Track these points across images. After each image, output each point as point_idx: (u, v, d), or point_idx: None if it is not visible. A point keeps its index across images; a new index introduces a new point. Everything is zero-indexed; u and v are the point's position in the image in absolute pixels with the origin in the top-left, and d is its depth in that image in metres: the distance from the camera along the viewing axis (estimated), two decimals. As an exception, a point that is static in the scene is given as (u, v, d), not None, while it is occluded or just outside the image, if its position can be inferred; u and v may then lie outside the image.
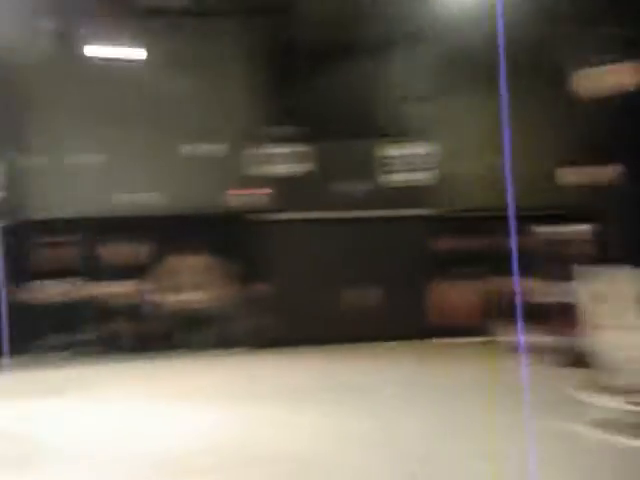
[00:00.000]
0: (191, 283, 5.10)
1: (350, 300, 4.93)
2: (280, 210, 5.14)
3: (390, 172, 4.98)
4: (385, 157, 5.02)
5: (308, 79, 5.02)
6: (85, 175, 5.75)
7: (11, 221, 5.51)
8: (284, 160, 5.06)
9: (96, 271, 5.18)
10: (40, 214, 5.58)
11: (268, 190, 5.11)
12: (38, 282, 5.20)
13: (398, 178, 4.99)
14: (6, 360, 4.68)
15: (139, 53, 5.52)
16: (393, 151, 4.98)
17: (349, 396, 3.22)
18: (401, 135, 5.03)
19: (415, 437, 2.55)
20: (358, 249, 5.03)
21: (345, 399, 3.16)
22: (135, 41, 5.46)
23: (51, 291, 5.10)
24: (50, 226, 5.43)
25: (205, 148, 5.65)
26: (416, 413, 2.90)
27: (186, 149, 5.66)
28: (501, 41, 2.98)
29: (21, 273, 5.24)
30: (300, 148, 4.96)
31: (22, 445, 2.67)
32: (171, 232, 5.17)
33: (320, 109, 4.96)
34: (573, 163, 5.19)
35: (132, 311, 5.00)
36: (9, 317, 4.99)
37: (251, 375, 4.06)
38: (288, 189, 5.14)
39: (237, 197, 5.37)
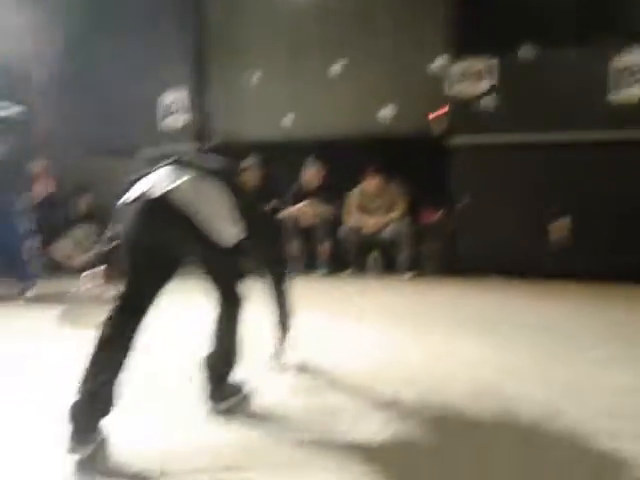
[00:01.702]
0: (377, 207, 5.11)
1: (551, 233, 4.72)
2: (469, 133, 4.80)
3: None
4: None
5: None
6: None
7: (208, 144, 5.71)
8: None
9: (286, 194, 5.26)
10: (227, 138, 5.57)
11: (450, 110, 4.86)
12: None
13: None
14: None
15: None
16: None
17: (516, 331, 3.22)
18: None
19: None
20: (567, 177, 4.60)
21: (512, 334, 3.17)
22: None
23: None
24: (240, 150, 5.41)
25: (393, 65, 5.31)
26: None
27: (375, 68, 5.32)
28: None
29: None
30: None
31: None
32: (360, 156, 5.06)
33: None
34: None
35: (320, 233, 5.08)
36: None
37: (430, 302, 4.10)
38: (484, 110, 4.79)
39: (428, 119, 5.05)
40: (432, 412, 2.16)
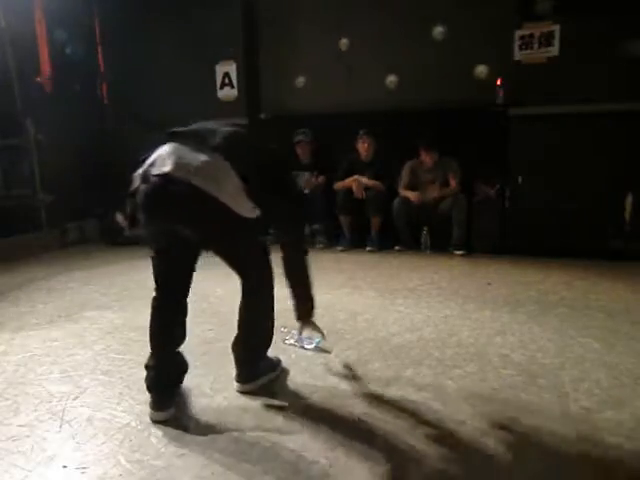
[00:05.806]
0: (429, 182, 5.06)
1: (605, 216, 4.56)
2: (531, 103, 4.61)
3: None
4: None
5: None
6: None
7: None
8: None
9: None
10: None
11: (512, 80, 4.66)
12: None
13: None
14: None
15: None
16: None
17: (574, 314, 3.16)
18: None
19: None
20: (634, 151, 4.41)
21: (569, 317, 3.12)
22: None
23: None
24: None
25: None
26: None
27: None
28: None
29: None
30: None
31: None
32: (413, 128, 5.00)
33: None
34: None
35: (371, 208, 5.15)
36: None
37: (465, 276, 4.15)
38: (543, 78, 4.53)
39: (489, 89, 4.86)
40: (487, 392, 2.11)
